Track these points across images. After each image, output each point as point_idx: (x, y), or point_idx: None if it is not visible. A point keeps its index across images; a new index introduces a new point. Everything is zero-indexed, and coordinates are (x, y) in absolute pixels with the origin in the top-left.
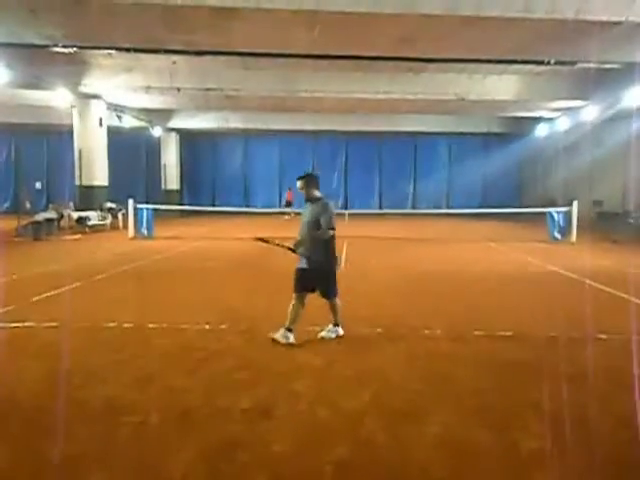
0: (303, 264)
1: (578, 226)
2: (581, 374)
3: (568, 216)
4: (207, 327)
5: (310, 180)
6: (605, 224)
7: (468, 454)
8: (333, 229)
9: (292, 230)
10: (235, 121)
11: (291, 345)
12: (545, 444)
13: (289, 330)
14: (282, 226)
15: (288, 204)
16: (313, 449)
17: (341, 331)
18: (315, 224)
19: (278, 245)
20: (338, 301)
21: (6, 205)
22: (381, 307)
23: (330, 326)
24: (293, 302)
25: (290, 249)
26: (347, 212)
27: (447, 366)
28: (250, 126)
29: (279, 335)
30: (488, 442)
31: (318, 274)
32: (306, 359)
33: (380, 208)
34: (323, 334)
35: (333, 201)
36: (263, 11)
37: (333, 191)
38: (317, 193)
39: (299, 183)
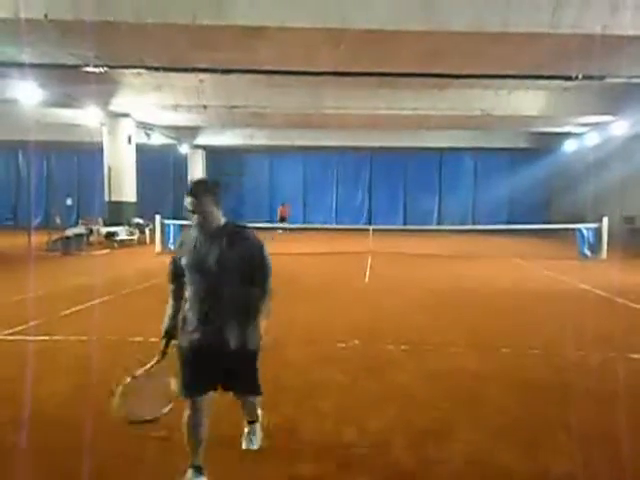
0: (211, 340)
1: (609, 243)
2: (612, 394)
3: (598, 232)
4: None
5: (221, 193)
6: (637, 241)
7: (495, 474)
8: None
9: (308, 245)
10: (260, 138)
11: None
12: (574, 465)
13: (195, 468)
14: (298, 241)
15: (282, 220)
16: (339, 469)
17: (259, 432)
18: (243, 273)
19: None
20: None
21: (38, 220)
22: (406, 323)
23: (246, 427)
24: (187, 413)
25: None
26: (371, 228)
27: (473, 384)
28: (275, 143)
29: None
30: (515, 462)
31: (236, 357)
32: (330, 376)
33: (405, 224)
34: (252, 447)
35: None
36: (288, 30)
37: (357, 207)
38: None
39: (191, 199)
